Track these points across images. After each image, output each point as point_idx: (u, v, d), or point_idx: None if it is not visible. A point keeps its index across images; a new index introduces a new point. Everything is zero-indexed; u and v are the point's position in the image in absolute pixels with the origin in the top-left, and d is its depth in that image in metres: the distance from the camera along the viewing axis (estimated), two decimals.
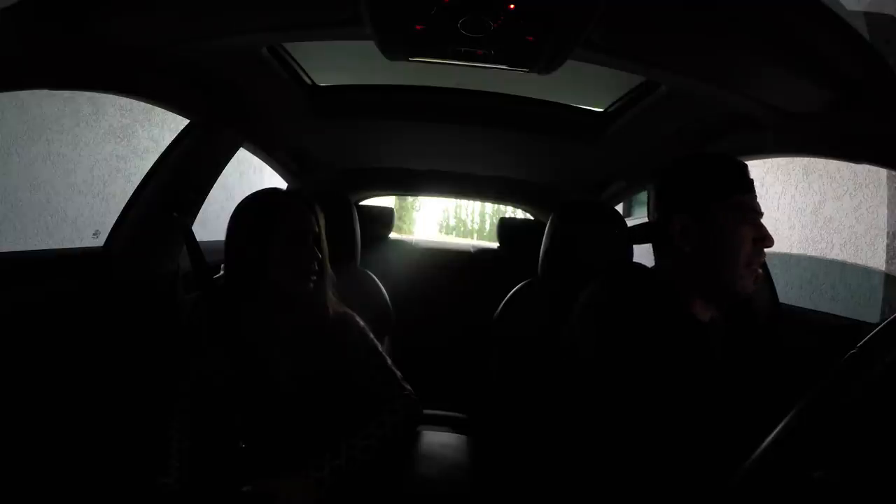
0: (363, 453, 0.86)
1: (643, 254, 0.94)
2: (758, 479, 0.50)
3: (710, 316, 0.83)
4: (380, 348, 0.99)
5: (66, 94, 2.24)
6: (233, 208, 0.94)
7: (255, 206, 0.93)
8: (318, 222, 0.95)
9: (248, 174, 3.51)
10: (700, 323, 0.81)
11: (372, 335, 0.99)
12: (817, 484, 0.47)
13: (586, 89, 1.20)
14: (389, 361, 0.99)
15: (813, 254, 2.25)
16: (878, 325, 0.51)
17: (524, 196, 2.11)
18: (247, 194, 0.95)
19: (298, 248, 0.91)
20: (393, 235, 2.23)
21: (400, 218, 9.30)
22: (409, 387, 0.98)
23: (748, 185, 0.78)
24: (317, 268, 0.93)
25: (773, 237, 0.76)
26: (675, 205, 0.80)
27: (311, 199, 0.97)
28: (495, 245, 2.27)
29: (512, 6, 0.67)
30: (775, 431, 0.51)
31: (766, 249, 0.77)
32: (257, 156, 1.50)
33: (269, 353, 0.93)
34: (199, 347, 0.97)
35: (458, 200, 10.48)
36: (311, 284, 0.93)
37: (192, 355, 0.98)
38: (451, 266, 2.17)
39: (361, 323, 0.99)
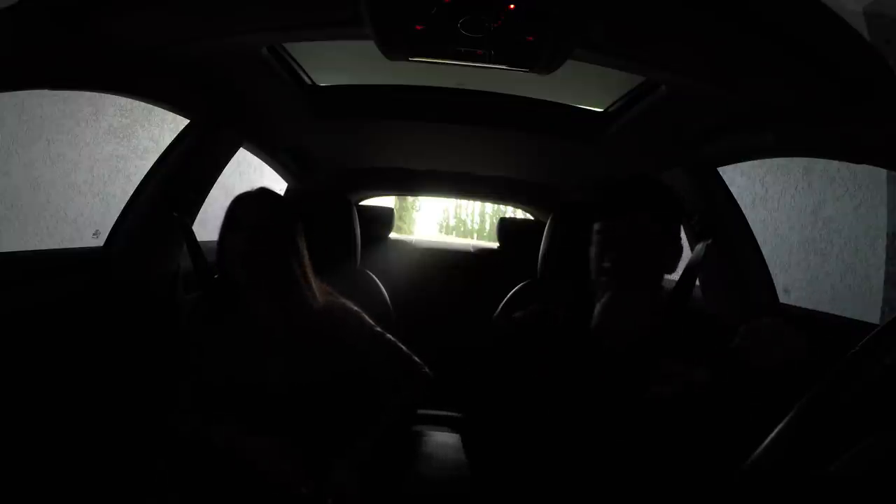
0: (388, 415, 0.95)
1: None
2: (758, 477, 0.50)
3: None
4: (377, 327, 1.02)
5: (66, 94, 2.23)
6: None
7: (228, 206, 0.96)
8: (284, 219, 0.96)
9: (248, 174, 3.50)
10: None
11: (366, 316, 1.02)
12: (817, 482, 0.47)
13: (586, 89, 1.19)
14: (389, 336, 1.02)
15: (813, 254, 2.24)
16: (878, 325, 0.51)
17: (524, 196, 2.11)
18: None
19: (254, 246, 0.91)
20: (393, 235, 2.22)
21: (400, 218, 9.28)
22: (415, 357, 1.03)
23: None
24: (276, 266, 0.93)
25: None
26: None
27: (278, 196, 0.98)
28: (495, 245, 2.27)
29: (512, 6, 0.67)
30: (776, 431, 0.51)
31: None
32: (257, 156, 1.50)
33: (261, 354, 0.93)
34: (199, 347, 0.97)
35: (458, 200, 10.47)
36: (276, 284, 0.94)
37: (191, 355, 0.98)
38: (451, 266, 2.17)
39: (354, 307, 1.02)
